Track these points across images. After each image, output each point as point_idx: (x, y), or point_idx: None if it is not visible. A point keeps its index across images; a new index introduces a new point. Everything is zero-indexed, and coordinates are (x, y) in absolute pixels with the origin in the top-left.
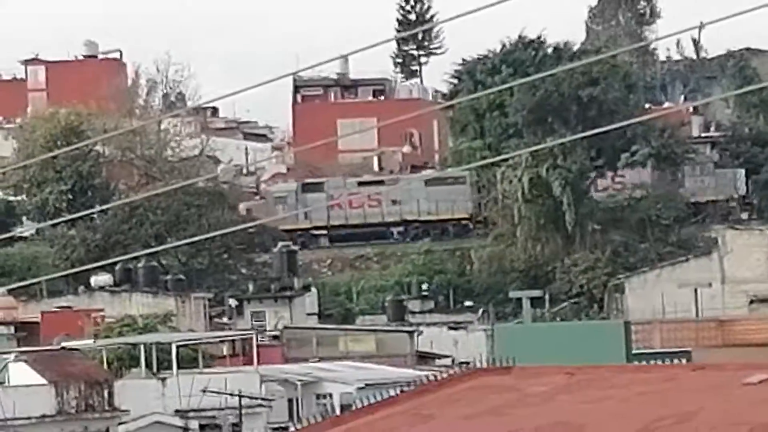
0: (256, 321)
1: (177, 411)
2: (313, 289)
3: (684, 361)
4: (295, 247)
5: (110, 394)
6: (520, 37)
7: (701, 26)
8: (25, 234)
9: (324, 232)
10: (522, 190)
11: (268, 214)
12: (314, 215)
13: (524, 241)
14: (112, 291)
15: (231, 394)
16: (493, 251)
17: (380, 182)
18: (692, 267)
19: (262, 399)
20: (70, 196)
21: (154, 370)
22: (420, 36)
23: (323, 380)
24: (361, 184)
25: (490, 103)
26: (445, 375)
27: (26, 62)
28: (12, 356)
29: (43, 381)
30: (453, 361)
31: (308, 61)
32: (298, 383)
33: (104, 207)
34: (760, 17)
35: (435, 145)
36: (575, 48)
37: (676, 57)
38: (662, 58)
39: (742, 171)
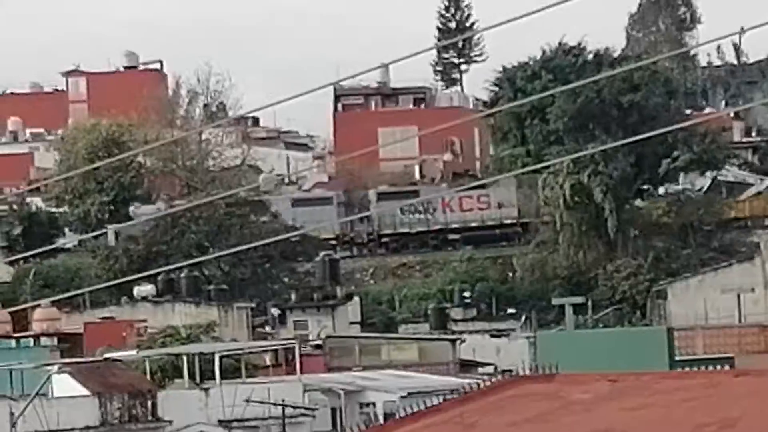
0: (298, 330)
1: (220, 421)
2: (356, 298)
3: (727, 367)
4: (337, 256)
5: (153, 405)
6: (560, 44)
7: (742, 31)
8: (68, 245)
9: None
10: (564, 196)
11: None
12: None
13: (566, 248)
14: (154, 301)
15: (274, 404)
16: (535, 258)
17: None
18: (735, 272)
19: (305, 408)
20: (112, 207)
21: (197, 380)
22: (460, 44)
23: (366, 389)
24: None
25: (531, 110)
26: (488, 383)
27: (67, 74)
28: (55, 368)
29: (87, 392)
30: (496, 368)
31: (349, 70)
32: (341, 392)
33: (147, 217)
34: None
35: (476, 152)
36: (616, 54)
37: (717, 62)
38: (703, 63)
39: None
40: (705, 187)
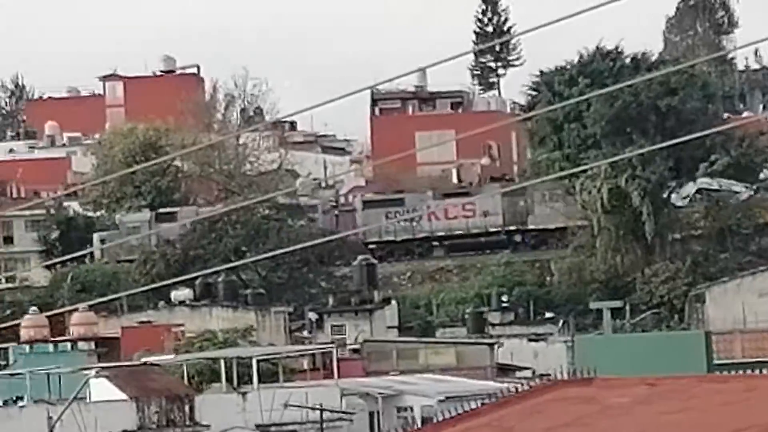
0: (336, 334)
1: (258, 425)
2: (393, 302)
3: (765, 371)
4: (375, 260)
5: (191, 409)
6: (597, 47)
7: None
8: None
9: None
10: (601, 200)
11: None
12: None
13: (604, 252)
14: (192, 306)
15: (312, 408)
16: (573, 262)
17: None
18: None
19: (343, 413)
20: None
21: (235, 384)
22: (497, 48)
23: (404, 393)
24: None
25: (569, 114)
26: (525, 387)
27: (104, 78)
28: (93, 372)
29: (124, 396)
30: (533, 372)
31: (386, 74)
32: (379, 396)
33: (184, 221)
34: None
35: (514, 156)
36: (653, 58)
37: (755, 66)
38: (740, 67)
39: None
40: (743, 192)
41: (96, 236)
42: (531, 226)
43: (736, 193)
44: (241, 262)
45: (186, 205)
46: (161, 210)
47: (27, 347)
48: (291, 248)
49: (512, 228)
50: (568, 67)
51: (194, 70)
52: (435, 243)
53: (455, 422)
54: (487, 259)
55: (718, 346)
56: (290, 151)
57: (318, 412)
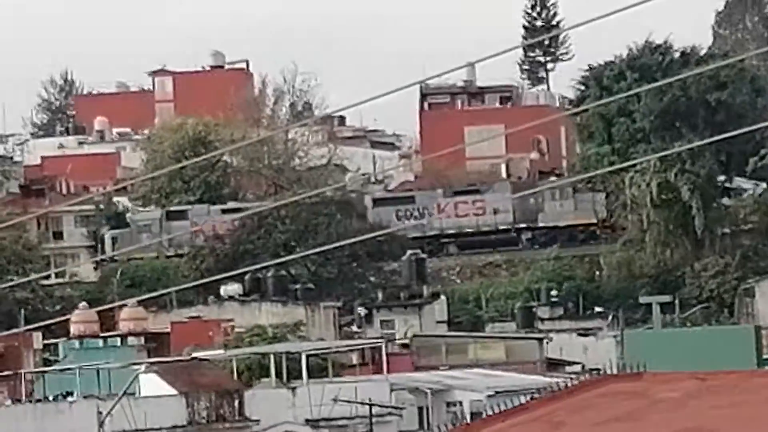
0: (385, 329)
1: (307, 420)
2: (442, 297)
3: None
4: (424, 255)
5: (241, 404)
6: (646, 42)
7: None
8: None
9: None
10: (651, 195)
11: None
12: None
13: (653, 247)
14: (241, 301)
15: (361, 403)
16: (622, 257)
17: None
18: None
19: (393, 407)
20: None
21: (284, 379)
22: (546, 42)
23: (453, 388)
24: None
25: (618, 108)
26: (575, 382)
27: (154, 73)
28: (143, 367)
29: (174, 392)
30: (583, 367)
31: (435, 69)
32: (428, 391)
33: (232, 217)
34: None
35: (563, 151)
36: (702, 52)
37: None
38: None
39: None
40: None
41: (108, 234)
42: (541, 224)
43: None
44: (291, 257)
45: (235, 200)
46: (171, 209)
47: (77, 342)
48: (340, 243)
49: (522, 226)
50: (617, 61)
51: (243, 65)
52: (445, 240)
53: (504, 417)
54: (536, 254)
55: None
56: (339, 146)
57: (367, 407)
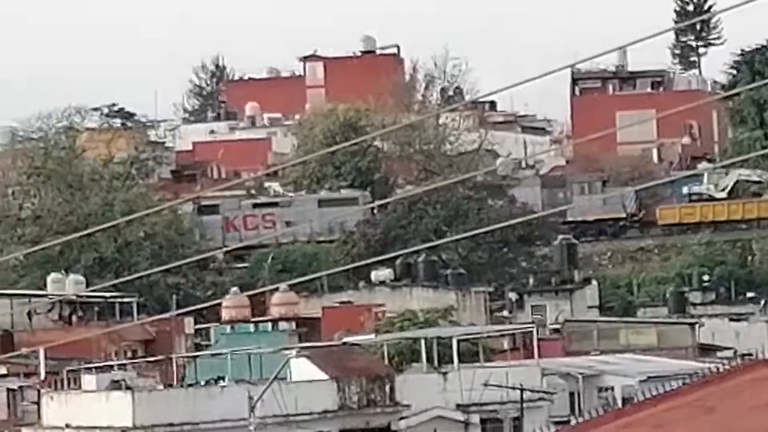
0: (536, 314)
1: (458, 405)
2: (594, 282)
3: None
4: (575, 240)
5: (392, 389)
6: None
7: None
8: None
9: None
10: None
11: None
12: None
13: None
14: (392, 286)
15: (512, 388)
16: None
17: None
18: None
19: (544, 392)
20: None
21: (435, 364)
22: (698, 27)
23: (604, 373)
24: None
25: None
26: (727, 367)
27: (305, 59)
28: (294, 352)
29: (325, 376)
30: (735, 353)
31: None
32: (579, 376)
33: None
34: None
35: (714, 136)
36: None
37: None
38: None
39: None
40: None
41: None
42: (569, 218)
43: None
44: (442, 241)
45: (386, 185)
46: (203, 203)
47: (228, 327)
48: (491, 227)
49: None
50: None
51: (394, 51)
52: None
53: (656, 402)
54: (688, 239)
55: None
56: (490, 131)
57: (518, 392)
